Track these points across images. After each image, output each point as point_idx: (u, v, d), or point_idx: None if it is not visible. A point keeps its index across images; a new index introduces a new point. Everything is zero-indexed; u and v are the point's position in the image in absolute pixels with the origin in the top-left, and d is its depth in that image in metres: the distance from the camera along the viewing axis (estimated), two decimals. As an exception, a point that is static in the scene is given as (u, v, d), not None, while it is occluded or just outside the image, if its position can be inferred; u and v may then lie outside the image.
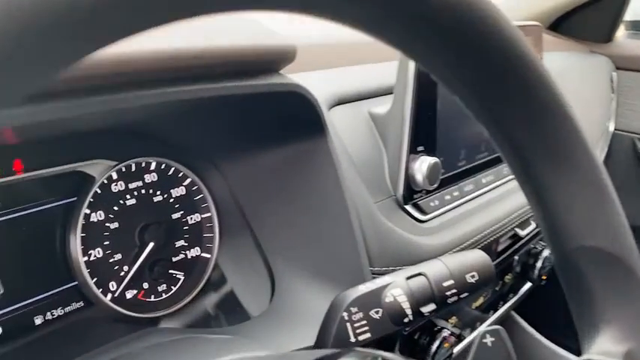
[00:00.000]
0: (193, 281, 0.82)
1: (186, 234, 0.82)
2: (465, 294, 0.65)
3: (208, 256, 0.84)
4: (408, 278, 0.64)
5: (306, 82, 0.73)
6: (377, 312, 0.63)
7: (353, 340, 0.62)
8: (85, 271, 0.69)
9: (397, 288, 0.63)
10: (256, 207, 0.82)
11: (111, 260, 0.73)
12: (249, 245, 0.83)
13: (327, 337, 0.62)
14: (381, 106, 0.91)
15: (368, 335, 0.62)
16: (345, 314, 0.62)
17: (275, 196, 0.79)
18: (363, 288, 0.64)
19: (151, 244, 0.75)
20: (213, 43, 0.57)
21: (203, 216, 0.84)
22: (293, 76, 0.69)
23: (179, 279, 0.80)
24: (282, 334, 0.73)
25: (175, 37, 0.54)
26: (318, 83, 0.82)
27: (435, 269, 0.65)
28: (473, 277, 0.65)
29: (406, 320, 0.63)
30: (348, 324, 0.62)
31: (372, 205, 0.79)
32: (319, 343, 0.63)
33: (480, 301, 1.15)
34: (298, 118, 0.70)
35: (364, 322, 0.62)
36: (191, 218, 0.83)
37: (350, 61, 1.08)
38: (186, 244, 0.82)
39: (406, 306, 0.63)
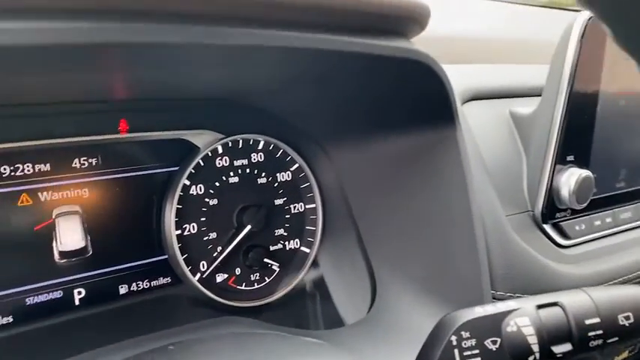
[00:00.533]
0: (289, 276, 0.75)
1: (287, 223, 0.75)
2: (614, 338, 0.51)
3: (308, 250, 0.76)
4: (540, 307, 0.51)
5: None
6: (494, 342, 0.50)
7: (460, 370, 0.51)
8: (176, 245, 0.65)
9: (524, 317, 0.50)
10: (365, 204, 0.73)
11: (205, 238, 0.68)
12: (352, 246, 0.74)
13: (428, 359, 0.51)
14: (526, 107, 0.78)
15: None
16: (453, 338, 0.51)
17: (387, 193, 0.69)
18: (481, 310, 0.52)
19: (248, 227, 0.69)
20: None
21: (307, 206, 0.77)
22: None
23: (274, 270, 0.74)
24: (379, 348, 0.63)
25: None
26: (453, 74, 0.72)
27: (577, 301, 0.51)
28: (627, 318, 0.50)
29: (531, 359, 0.50)
30: (456, 350, 0.50)
31: (502, 218, 0.67)
32: (420, 363, 0.52)
33: (624, 355, 0.95)
34: (423, 101, 0.60)
35: (476, 351, 0.50)
36: (294, 207, 0.76)
37: (490, 59, 0.96)
38: (285, 234, 0.75)
39: (533, 340, 0.49)
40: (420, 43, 0.55)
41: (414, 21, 0.51)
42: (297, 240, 0.76)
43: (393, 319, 0.65)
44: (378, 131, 0.67)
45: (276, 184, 0.74)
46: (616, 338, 0.50)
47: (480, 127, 0.73)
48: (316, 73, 0.57)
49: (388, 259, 0.70)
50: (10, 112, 0.55)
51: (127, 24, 0.36)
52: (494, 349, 0.50)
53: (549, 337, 0.50)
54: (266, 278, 0.74)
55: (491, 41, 1.02)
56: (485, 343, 0.50)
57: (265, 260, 0.72)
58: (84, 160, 0.61)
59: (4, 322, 0.56)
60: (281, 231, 0.75)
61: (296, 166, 0.75)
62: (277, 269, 0.74)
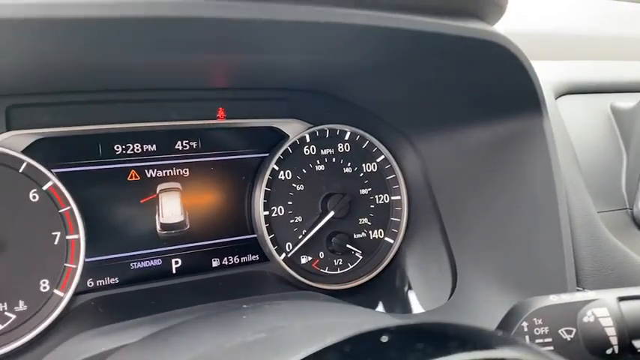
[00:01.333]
0: (371, 264, 0.77)
1: (372, 213, 0.77)
2: None
3: (392, 241, 0.77)
4: (622, 299, 0.49)
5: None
6: (569, 332, 0.49)
7: (530, 358, 0.50)
8: (264, 226, 0.70)
9: (603, 308, 0.48)
10: (450, 195, 0.73)
11: (291, 221, 0.72)
12: (435, 237, 0.74)
13: (497, 346, 0.51)
14: (629, 102, 0.74)
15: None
16: (525, 324, 0.50)
17: (472, 184, 0.69)
18: (555, 299, 0.50)
19: (331, 213, 0.72)
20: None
21: (393, 198, 0.78)
22: None
23: (357, 258, 0.76)
24: None
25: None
26: (548, 70, 0.70)
27: (666, 296, 0.48)
28: None
29: (609, 352, 0.48)
30: (527, 337, 0.49)
31: (593, 214, 0.64)
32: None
33: None
34: (507, 89, 0.59)
35: (549, 339, 0.49)
36: (379, 197, 0.78)
37: (586, 55, 0.91)
38: (369, 224, 0.77)
39: (611, 332, 0.47)
40: (518, 40, 0.55)
41: (492, 3, 0.52)
42: (381, 230, 0.78)
43: (472, 307, 0.65)
44: (462, 122, 0.67)
45: (361, 174, 0.77)
46: None
47: (575, 121, 0.70)
48: (398, 60, 0.58)
49: (470, 250, 0.69)
50: (123, 97, 0.63)
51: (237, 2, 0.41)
52: (568, 338, 0.49)
53: (630, 330, 0.47)
54: (349, 264, 0.76)
55: (589, 39, 0.97)
56: (560, 332, 0.49)
57: (348, 247, 0.74)
58: (185, 142, 0.68)
59: (110, 282, 0.64)
60: (365, 220, 0.77)
61: (382, 157, 0.77)
62: (360, 257, 0.76)
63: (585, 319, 0.49)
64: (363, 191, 0.77)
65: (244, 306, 0.47)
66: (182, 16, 0.38)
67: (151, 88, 0.63)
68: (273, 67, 0.62)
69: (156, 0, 0.37)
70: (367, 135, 0.76)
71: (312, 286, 0.72)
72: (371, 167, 0.77)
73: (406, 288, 0.75)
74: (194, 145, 0.68)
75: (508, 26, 0.59)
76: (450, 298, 0.69)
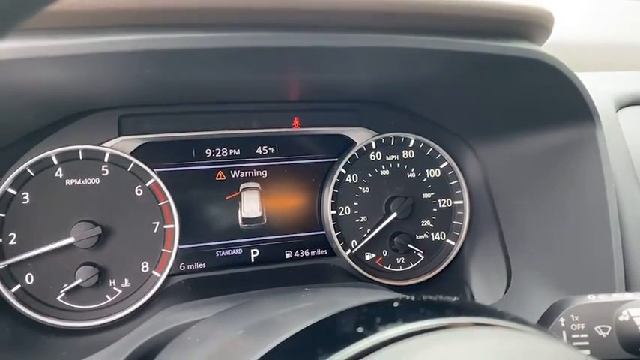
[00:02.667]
0: (432, 263, 0.82)
1: (434, 216, 0.82)
2: None
3: (453, 243, 0.82)
4: (659, 301, 0.51)
5: (593, 80, 0.65)
6: (604, 329, 0.52)
7: (566, 351, 0.53)
8: (331, 224, 0.77)
9: (638, 308, 0.51)
10: (507, 200, 0.76)
11: (356, 220, 0.79)
12: (494, 240, 0.78)
13: (536, 339, 0.55)
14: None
15: (586, 352, 0.52)
16: (562, 320, 0.53)
17: (528, 190, 0.72)
18: (593, 297, 0.54)
19: (394, 215, 0.78)
20: None
21: (456, 202, 0.83)
22: (580, 74, 0.62)
23: (419, 257, 0.82)
24: None
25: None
26: (608, 82, 0.72)
27: (702, 299, 0.50)
28: None
29: (642, 350, 0.50)
30: (564, 332, 0.53)
31: (645, 221, 0.65)
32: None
33: None
34: (558, 102, 0.63)
35: (585, 335, 0.53)
36: (442, 202, 0.83)
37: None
38: (432, 226, 0.82)
39: (645, 331, 0.50)
40: (570, 51, 0.59)
41: (539, 26, 0.56)
42: (443, 232, 0.83)
43: (523, 304, 0.68)
44: (519, 131, 0.71)
45: (424, 180, 0.82)
46: None
47: (637, 131, 0.72)
48: (457, 76, 0.64)
49: (524, 252, 0.73)
50: (213, 109, 0.74)
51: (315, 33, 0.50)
52: (604, 335, 0.52)
53: (665, 330, 0.50)
54: (411, 263, 0.82)
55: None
56: (595, 328, 0.52)
57: (410, 246, 0.80)
58: (265, 148, 0.77)
59: (199, 267, 0.74)
60: (427, 222, 0.82)
61: (445, 164, 0.82)
62: (422, 256, 0.82)
63: (621, 318, 0.52)
64: (426, 195, 0.82)
65: (306, 289, 0.55)
66: (282, 46, 0.48)
67: (236, 101, 0.73)
68: (344, 83, 0.70)
69: (258, 34, 0.46)
70: (431, 142, 0.81)
71: (375, 281, 0.79)
72: (434, 173, 0.83)
73: (464, 286, 0.79)
74: (272, 151, 0.77)
75: (565, 38, 0.63)
76: (504, 295, 0.73)
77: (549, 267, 0.69)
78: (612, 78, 0.78)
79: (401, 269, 0.81)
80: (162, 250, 0.71)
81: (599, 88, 0.74)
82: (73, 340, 0.66)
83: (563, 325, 0.53)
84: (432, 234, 0.82)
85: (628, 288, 0.63)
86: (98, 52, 0.45)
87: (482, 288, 0.77)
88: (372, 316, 0.32)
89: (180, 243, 0.72)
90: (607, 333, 0.52)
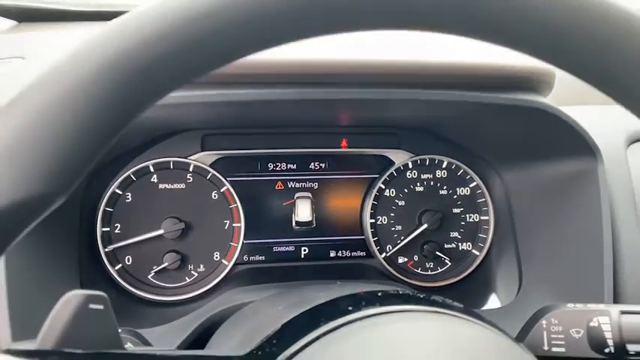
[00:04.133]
0: (458, 269, 0.94)
1: (462, 229, 0.94)
2: None
3: (478, 253, 0.94)
4: (624, 313, 0.62)
5: (606, 115, 0.76)
6: (577, 332, 0.63)
7: (546, 347, 0.65)
8: (369, 230, 0.92)
9: (606, 317, 0.62)
10: (525, 219, 0.88)
11: (392, 228, 0.93)
12: (511, 252, 0.90)
13: (523, 336, 0.67)
14: None
15: (562, 350, 0.64)
16: (544, 322, 0.65)
17: (541, 212, 0.83)
18: (571, 306, 0.65)
19: (425, 225, 0.91)
20: (483, 60, 0.69)
21: (482, 218, 0.95)
22: (590, 108, 0.74)
23: (446, 264, 0.94)
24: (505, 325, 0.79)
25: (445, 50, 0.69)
26: (621, 116, 0.81)
27: (659, 314, 0.60)
28: None
29: (607, 350, 0.61)
30: (544, 332, 0.65)
31: (638, 245, 0.75)
32: (518, 338, 0.67)
33: None
34: (565, 140, 0.74)
35: (562, 336, 0.64)
36: (469, 217, 0.95)
37: None
38: (459, 237, 0.95)
39: (609, 336, 0.61)
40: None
41: (542, 81, 0.68)
42: (469, 243, 0.95)
43: (527, 307, 0.79)
44: (535, 161, 0.83)
45: (455, 197, 0.94)
46: (693, 351, 0.58)
47: (644, 165, 0.81)
48: (476, 116, 0.77)
49: (533, 264, 0.84)
50: (276, 131, 0.90)
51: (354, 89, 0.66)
52: (577, 337, 0.63)
53: (625, 336, 0.61)
54: (439, 268, 0.94)
55: None
56: (570, 331, 0.64)
57: (438, 254, 0.93)
58: (317, 163, 0.92)
59: (259, 259, 0.90)
60: (456, 234, 0.94)
61: (474, 183, 0.94)
62: (449, 263, 0.94)
63: (591, 324, 0.63)
64: (456, 210, 0.94)
65: (337, 282, 0.69)
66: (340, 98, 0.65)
67: (295, 124, 0.89)
68: (387, 114, 0.84)
69: (326, 89, 0.63)
70: (462, 164, 0.93)
71: (405, 282, 0.92)
72: (464, 191, 0.95)
73: (484, 290, 0.91)
74: (323, 166, 0.92)
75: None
76: (514, 299, 0.84)
77: (552, 279, 0.80)
78: (625, 112, 0.87)
79: (429, 273, 0.94)
80: (231, 243, 0.88)
81: (611, 122, 0.84)
82: (159, 310, 0.84)
83: (544, 326, 0.65)
84: (459, 244, 0.94)
85: (616, 301, 0.73)
86: (222, 101, 0.64)
87: (498, 292, 0.89)
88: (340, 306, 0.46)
89: (245, 239, 0.88)
90: (580, 335, 0.63)
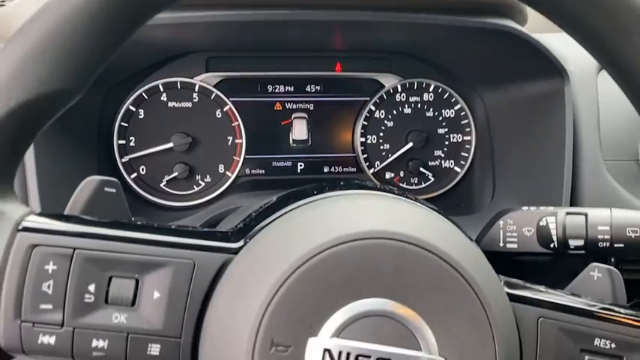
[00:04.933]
0: (440, 185, 1.04)
1: (446, 148, 1.03)
2: (620, 245, 0.67)
3: (459, 170, 1.03)
4: (569, 214, 0.71)
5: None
6: (529, 230, 0.73)
7: (501, 244, 0.75)
8: (360, 148, 1.01)
9: (553, 217, 0.71)
10: (501, 137, 0.96)
11: (380, 147, 1.02)
12: (488, 168, 0.98)
13: (482, 235, 0.76)
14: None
15: (515, 246, 0.74)
16: (501, 222, 0.75)
17: (515, 129, 0.92)
18: (526, 209, 0.74)
19: (411, 144, 1.00)
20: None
21: (465, 138, 1.03)
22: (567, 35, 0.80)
23: (429, 179, 1.03)
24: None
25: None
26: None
27: (599, 214, 0.69)
28: (634, 232, 0.67)
29: (552, 245, 0.71)
30: (501, 231, 0.74)
31: (599, 161, 0.83)
32: (478, 237, 0.77)
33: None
34: (537, 61, 0.80)
35: (515, 234, 0.74)
36: (453, 137, 1.03)
37: None
38: (443, 155, 1.03)
39: (554, 233, 0.70)
40: None
41: (512, 7, 0.74)
42: (452, 161, 1.03)
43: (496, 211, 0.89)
44: (512, 82, 0.90)
45: (440, 118, 1.02)
46: (621, 245, 0.67)
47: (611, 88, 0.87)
48: (454, 41, 0.84)
49: (505, 177, 0.94)
50: (276, 55, 0.97)
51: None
52: (528, 235, 0.73)
53: (568, 233, 0.70)
54: (422, 183, 1.03)
55: None
56: (523, 230, 0.73)
57: (422, 170, 1.02)
58: (312, 86, 1.00)
59: (259, 172, 1.00)
60: (439, 152, 1.03)
61: (459, 106, 1.02)
62: (432, 179, 1.03)
63: (541, 224, 0.72)
64: (441, 131, 1.02)
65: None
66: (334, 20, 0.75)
67: (293, 48, 0.96)
68: (375, 38, 0.90)
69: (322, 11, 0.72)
70: (448, 88, 1.01)
71: (392, 195, 1.02)
72: (449, 113, 1.02)
73: (463, 202, 1.01)
74: (318, 89, 1.00)
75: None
76: (486, 207, 0.94)
77: (520, 190, 0.89)
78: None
79: (414, 187, 1.03)
80: (234, 157, 0.98)
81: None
82: (170, 214, 0.95)
83: (501, 226, 0.74)
84: (442, 162, 1.03)
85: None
86: (224, 22, 0.73)
87: (476, 201, 0.99)
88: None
89: (246, 154, 0.98)
90: (530, 233, 0.72)
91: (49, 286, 0.42)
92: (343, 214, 0.48)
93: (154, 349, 0.44)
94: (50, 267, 0.43)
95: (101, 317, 0.43)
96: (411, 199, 0.54)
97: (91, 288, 0.43)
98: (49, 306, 0.42)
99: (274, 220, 0.49)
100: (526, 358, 0.49)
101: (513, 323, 0.48)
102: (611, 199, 0.82)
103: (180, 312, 0.45)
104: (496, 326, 0.45)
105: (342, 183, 0.54)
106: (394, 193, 0.54)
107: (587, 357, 0.49)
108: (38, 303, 0.42)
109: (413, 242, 0.44)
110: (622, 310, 0.52)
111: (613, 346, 0.49)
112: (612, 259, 0.84)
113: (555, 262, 0.78)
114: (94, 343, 0.43)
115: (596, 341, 0.49)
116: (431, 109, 1.02)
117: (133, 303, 0.45)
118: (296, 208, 0.50)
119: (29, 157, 0.74)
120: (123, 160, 0.94)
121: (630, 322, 0.50)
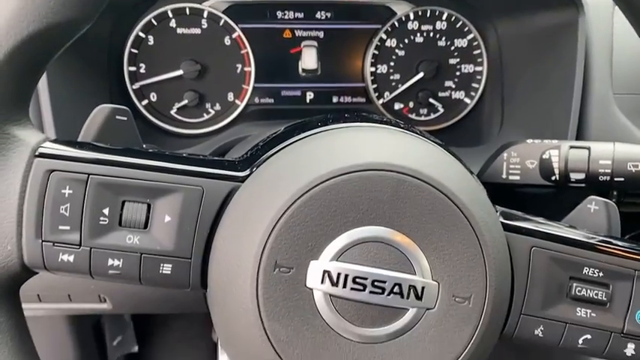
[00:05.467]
0: (449, 116, 1.04)
1: (456, 78, 1.02)
2: (620, 178, 0.69)
3: (469, 101, 1.03)
4: (572, 147, 0.72)
5: None
6: (532, 163, 0.74)
7: (504, 176, 0.76)
8: (370, 78, 1.00)
9: (556, 150, 0.72)
10: (512, 68, 0.95)
11: (390, 77, 1.01)
12: (498, 100, 0.98)
13: (486, 167, 0.78)
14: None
15: (517, 178, 0.75)
16: (505, 155, 0.76)
17: (527, 60, 0.91)
18: (530, 142, 0.75)
19: (421, 74, 0.99)
20: None
21: (476, 69, 1.02)
22: None
23: (439, 111, 1.03)
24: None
25: None
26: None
27: (601, 148, 0.70)
28: (635, 166, 0.67)
29: (553, 178, 0.72)
30: (505, 163, 0.76)
31: (608, 96, 0.82)
32: (482, 169, 0.78)
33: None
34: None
35: (518, 166, 0.75)
36: (464, 67, 1.02)
37: None
38: (453, 86, 1.02)
39: (556, 166, 0.72)
40: None
41: None
42: (462, 92, 1.03)
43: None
44: (526, 12, 0.88)
45: (452, 48, 1.00)
46: (622, 179, 0.68)
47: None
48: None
49: (514, 109, 0.94)
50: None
51: None
52: (530, 167, 0.74)
53: (570, 167, 0.71)
54: (432, 115, 1.04)
55: None
56: (526, 162, 0.74)
57: (431, 101, 1.01)
58: (323, 13, 0.98)
59: (268, 102, 1.01)
60: (450, 83, 1.02)
61: (472, 35, 1.00)
62: (441, 110, 1.03)
63: (544, 157, 0.73)
64: (452, 61, 1.01)
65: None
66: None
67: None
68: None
69: None
70: (461, 17, 0.98)
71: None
72: (462, 42, 1.00)
73: (471, 134, 1.01)
74: (328, 16, 0.98)
75: None
76: (494, 139, 0.95)
77: (527, 121, 0.89)
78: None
79: (423, 118, 1.04)
80: (243, 86, 0.98)
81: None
82: (180, 140, 0.97)
83: (505, 158, 0.76)
84: (453, 93, 1.03)
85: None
86: None
87: (485, 132, 0.99)
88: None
89: (255, 82, 0.98)
90: (533, 166, 0.74)
91: (66, 209, 0.45)
92: (345, 146, 0.49)
93: (166, 268, 0.48)
94: (67, 191, 0.45)
95: (115, 238, 0.46)
96: (414, 132, 0.56)
97: (105, 211, 0.46)
98: (67, 227, 0.45)
99: (279, 150, 0.51)
100: (517, 284, 0.51)
101: (506, 252, 0.51)
102: (617, 133, 0.82)
103: (190, 235, 0.48)
104: (488, 254, 0.47)
105: (346, 115, 0.56)
106: (398, 126, 0.56)
107: (575, 284, 0.52)
108: (57, 224, 0.45)
109: (411, 174, 0.46)
110: (612, 241, 0.54)
111: (601, 274, 0.52)
112: (614, 193, 0.86)
113: (557, 196, 0.79)
114: (110, 262, 0.46)
115: (585, 270, 0.52)
116: (443, 39, 1.00)
117: (146, 226, 0.47)
118: (300, 140, 0.51)
119: (43, 85, 0.75)
120: (134, 86, 0.95)
121: (619, 252, 0.52)
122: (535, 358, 1.18)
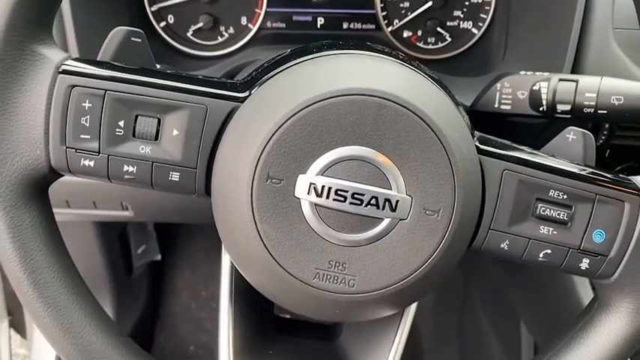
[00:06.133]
0: (456, 45, 1.06)
1: (465, 8, 1.03)
2: (603, 111, 0.72)
3: (476, 32, 1.05)
4: (562, 80, 0.75)
5: None
6: (522, 94, 0.78)
7: (496, 105, 0.80)
8: (379, 5, 1.02)
9: (546, 82, 0.75)
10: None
11: (400, 5, 1.03)
12: (504, 30, 1.00)
13: (480, 96, 0.82)
14: None
15: (508, 107, 0.79)
16: (498, 85, 0.80)
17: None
18: (522, 73, 0.78)
19: (430, 3, 1.01)
20: None
21: (485, -1, 1.03)
22: None
23: (446, 40, 1.06)
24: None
25: None
26: None
27: (589, 81, 0.73)
28: (618, 100, 0.71)
29: (541, 109, 0.76)
30: (497, 93, 0.80)
31: (608, 30, 0.84)
32: (477, 97, 0.82)
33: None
34: None
35: (510, 96, 0.79)
36: (474, -3, 1.03)
37: None
38: (461, 16, 1.04)
39: (544, 97, 0.75)
40: None
41: None
42: (470, 22, 1.04)
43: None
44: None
45: (460, -23, 1.02)
46: (605, 111, 0.72)
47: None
48: None
49: (517, 36, 0.96)
50: None
51: None
52: (521, 98, 0.78)
53: (557, 98, 0.75)
54: (439, 43, 1.06)
55: None
56: (517, 93, 0.78)
57: (439, 30, 1.04)
58: (335, -62, 0.99)
59: (280, 26, 1.04)
60: (459, 13, 1.04)
61: (482, -35, 1.00)
62: (449, 39, 1.05)
63: (534, 88, 0.76)
64: (462, -9, 1.02)
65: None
66: None
67: None
68: None
69: None
70: (473, -55, 0.99)
71: (408, 54, 1.05)
72: (471, -28, 1.01)
73: (477, 64, 1.04)
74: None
75: None
76: (499, 67, 0.98)
77: (528, 54, 0.92)
78: None
79: (430, 47, 1.06)
80: (255, 10, 1.01)
81: None
82: (195, 62, 1.02)
83: (498, 88, 0.79)
84: (460, 22, 1.04)
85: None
86: None
87: (487, 66, 1.02)
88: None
89: (267, 7, 1.01)
90: (524, 96, 0.77)
91: (86, 120, 0.52)
92: (335, 71, 0.54)
93: (175, 176, 0.55)
94: (86, 104, 0.52)
95: (130, 148, 0.53)
96: (405, 61, 0.60)
97: (121, 123, 0.53)
98: (88, 136, 0.52)
99: (276, 74, 0.56)
100: (488, 203, 0.57)
101: (478, 173, 0.56)
102: (613, 68, 0.84)
103: (196, 148, 0.55)
104: (457, 173, 0.53)
105: (340, 42, 0.60)
106: (390, 55, 0.60)
107: (540, 205, 0.58)
108: (79, 133, 0.52)
109: (391, 99, 0.51)
110: (580, 167, 0.59)
111: (565, 197, 0.57)
112: (607, 125, 0.90)
113: (547, 127, 0.83)
114: (125, 168, 0.53)
115: (551, 192, 0.57)
116: (454, -30, 1.01)
117: (157, 138, 0.54)
118: (295, 65, 0.56)
119: (66, 8, 0.80)
120: (152, 8, 0.99)
121: (582, 177, 0.57)
122: (521, 273, 1.26)
